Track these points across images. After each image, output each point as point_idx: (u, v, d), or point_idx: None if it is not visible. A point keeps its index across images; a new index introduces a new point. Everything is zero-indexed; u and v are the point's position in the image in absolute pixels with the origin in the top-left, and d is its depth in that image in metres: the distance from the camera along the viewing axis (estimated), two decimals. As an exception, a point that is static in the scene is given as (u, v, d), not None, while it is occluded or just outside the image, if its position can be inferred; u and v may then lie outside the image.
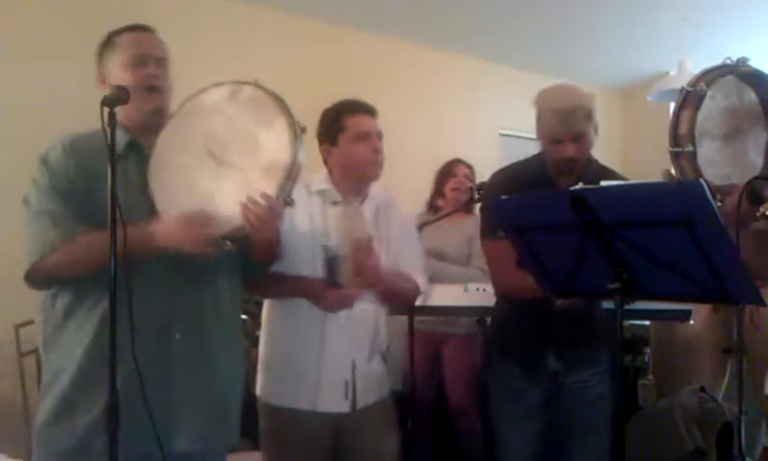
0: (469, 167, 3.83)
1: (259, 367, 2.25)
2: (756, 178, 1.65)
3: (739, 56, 1.83)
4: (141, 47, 1.79)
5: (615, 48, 5.61)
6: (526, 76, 5.72)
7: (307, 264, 2.11)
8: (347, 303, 2.07)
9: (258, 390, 2.23)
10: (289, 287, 2.13)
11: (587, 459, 2.27)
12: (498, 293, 2.40)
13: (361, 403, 2.18)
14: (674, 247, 1.57)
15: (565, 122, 2.09)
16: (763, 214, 1.62)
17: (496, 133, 5.73)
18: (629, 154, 6.24)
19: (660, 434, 2.97)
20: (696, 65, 4.88)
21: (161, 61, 1.80)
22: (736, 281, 1.55)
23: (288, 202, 1.70)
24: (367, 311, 2.20)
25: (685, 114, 1.78)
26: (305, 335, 2.14)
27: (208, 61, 3.15)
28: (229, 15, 4.38)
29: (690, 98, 1.78)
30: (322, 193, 2.22)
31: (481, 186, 3.05)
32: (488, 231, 2.27)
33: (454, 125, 5.39)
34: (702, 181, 1.40)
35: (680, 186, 1.49)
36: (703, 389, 3.19)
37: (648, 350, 3.69)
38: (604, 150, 6.22)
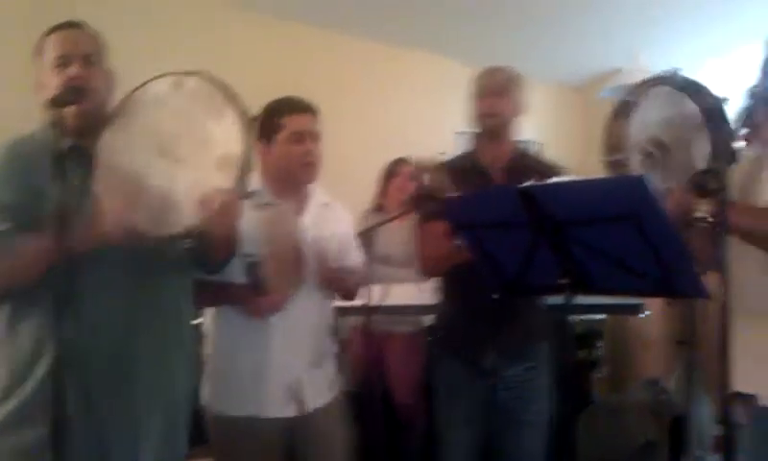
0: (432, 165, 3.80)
1: (204, 376, 2.20)
2: (699, 171, 1.65)
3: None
4: (64, 47, 1.69)
5: (573, 44, 5.64)
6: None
7: (235, 269, 2.02)
8: (272, 308, 2.04)
9: (205, 399, 2.17)
10: (215, 295, 2.07)
11: (524, 452, 2.32)
12: (422, 268, 2.43)
13: (311, 407, 2.14)
14: (622, 242, 1.57)
15: (490, 77, 2.37)
16: (702, 218, 1.63)
17: (453, 131, 5.72)
18: (588, 150, 6.29)
19: (613, 428, 3.01)
20: (650, 60, 5.00)
21: (89, 58, 1.70)
22: (683, 276, 1.55)
23: (245, 195, 1.66)
24: (309, 315, 2.17)
25: (619, 124, 1.79)
26: (246, 342, 2.09)
27: (155, 56, 3.08)
28: (178, 8, 4.29)
29: (625, 107, 1.79)
30: (252, 195, 2.17)
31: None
32: (422, 218, 2.34)
33: (410, 123, 5.36)
34: (644, 176, 1.40)
35: (623, 181, 1.49)
36: (656, 381, 3.23)
37: (601, 343, 3.72)
38: (564, 147, 6.37)
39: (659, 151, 1.81)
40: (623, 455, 2.93)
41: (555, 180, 1.71)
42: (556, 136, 6.39)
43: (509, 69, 2.44)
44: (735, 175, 1.80)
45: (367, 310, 2.73)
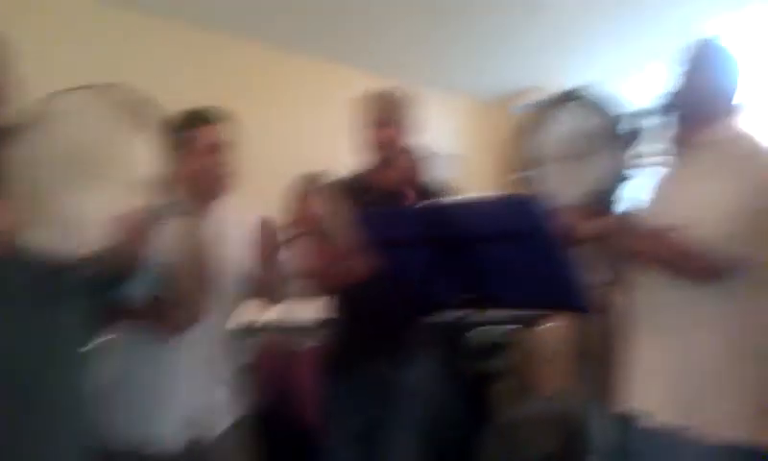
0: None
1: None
2: (593, 191, 1.69)
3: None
4: None
5: (488, 60, 5.70)
6: (394, 83, 5.74)
7: (142, 286, 1.92)
8: (182, 326, 1.96)
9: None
10: (118, 314, 1.96)
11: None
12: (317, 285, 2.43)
13: (208, 435, 2.05)
14: (516, 258, 1.60)
15: (376, 106, 2.37)
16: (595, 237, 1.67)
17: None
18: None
19: (513, 441, 3.04)
20: (570, 77, 5.10)
21: None
22: (573, 292, 1.59)
23: (158, 212, 1.60)
24: (206, 336, 2.07)
25: (526, 140, 1.82)
26: (143, 366, 1.99)
27: (66, 66, 2.95)
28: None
29: (530, 124, 1.82)
30: (166, 208, 2.10)
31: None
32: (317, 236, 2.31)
33: (318, 132, 5.33)
34: (535, 196, 1.43)
35: (516, 202, 1.52)
36: (558, 394, 3.29)
37: (504, 355, 3.75)
38: (483, 161, 6.43)
39: (564, 165, 1.84)
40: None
41: (453, 198, 1.71)
42: (476, 151, 6.51)
43: (396, 93, 2.45)
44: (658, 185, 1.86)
45: (273, 328, 2.70)
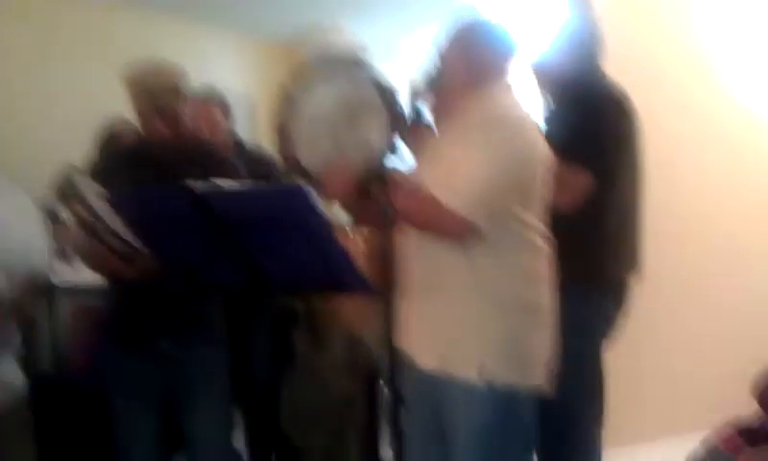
0: None
1: None
2: (372, 166, 1.72)
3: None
4: None
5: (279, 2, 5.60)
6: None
7: None
8: None
9: None
10: None
11: (208, 430, 2.42)
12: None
13: None
14: (291, 244, 1.62)
15: (152, 97, 2.20)
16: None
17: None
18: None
19: (311, 386, 3.11)
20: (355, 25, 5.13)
21: None
22: (348, 275, 1.65)
23: None
24: None
25: (289, 114, 1.81)
26: None
27: None
28: None
29: (292, 100, 1.81)
30: None
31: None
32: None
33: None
34: (304, 185, 1.45)
35: (286, 191, 1.53)
36: (354, 336, 3.38)
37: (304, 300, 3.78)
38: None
39: (335, 131, 1.86)
40: (321, 412, 3.06)
41: (227, 184, 1.68)
42: (267, 93, 6.41)
43: (173, 76, 2.28)
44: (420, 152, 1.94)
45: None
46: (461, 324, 1.85)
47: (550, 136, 2.02)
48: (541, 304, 1.90)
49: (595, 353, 2.54)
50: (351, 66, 1.86)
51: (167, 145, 2.26)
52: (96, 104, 3.83)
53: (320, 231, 1.54)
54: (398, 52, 6.31)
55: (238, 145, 3.36)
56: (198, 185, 1.65)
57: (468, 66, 1.91)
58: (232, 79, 6.29)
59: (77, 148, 3.42)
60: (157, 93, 2.20)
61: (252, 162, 3.11)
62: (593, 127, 2.36)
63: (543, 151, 1.90)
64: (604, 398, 2.58)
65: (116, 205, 1.87)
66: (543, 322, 1.90)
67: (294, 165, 1.80)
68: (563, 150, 2.10)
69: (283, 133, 1.79)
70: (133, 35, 5.30)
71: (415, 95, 1.92)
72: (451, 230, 1.79)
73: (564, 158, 2.12)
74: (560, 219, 2.06)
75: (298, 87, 1.82)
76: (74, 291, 3.37)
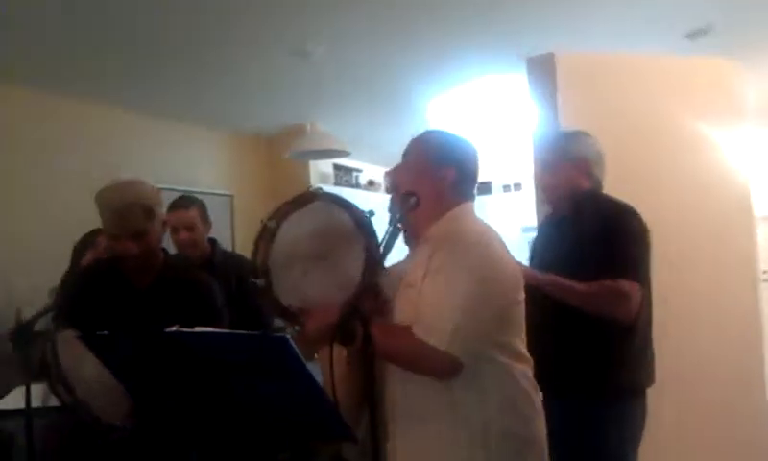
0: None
1: None
2: (345, 314, 1.62)
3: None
4: None
5: (257, 97, 5.70)
6: (180, 127, 5.87)
7: None
8: None
9: None
10: None
11: None
12: None
13: None
14: (272, 392, 1.54)
15: (122, 219, 2.17)
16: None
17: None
18: (276, 200, 6.36)
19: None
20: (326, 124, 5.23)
21: None
22: (331, 423, 1.57)
23: None
24: None
25: (262, 247, 1.76)
26: None
27: None
28: None
29: (266, 232, 1.76)
30: None
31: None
32: None
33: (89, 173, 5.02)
34: (287, 336, 1.38)
35: (268, 341, 1.46)
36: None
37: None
38: (252, 196, 6.39)
39: (312, 264, 1.80)
40: None
41: (202, 329, 1.61)
42: (244, 186, 6.47)
43: (143, 196, 2.24)
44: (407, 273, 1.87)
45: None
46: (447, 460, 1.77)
47: (568, 247, 2.09)
48: (528, 437, 1.81)
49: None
50: (325, 197, 1.83)
51: (138, 266, 2.25)
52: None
53: (301, 381, 1.46)
54: (378, 148, 6.42)
55: (215, 249, 3.32)
56: (174, 332, 1.58)
57: (423, 192, 1.87)
58: (211, 170, 6.41)
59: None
60: (130, 220, 2.18)
61: (229, 268, 3.12)
62: (630, 237, 2.39)
63: (512, 267, 1.85)
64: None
65: (89, 344, 1.79)
66: (532, 452, 1.81)
67: (275, 305, 1.75)
68: (597, 262, 2.25)
69: (264, 273, 1.74)
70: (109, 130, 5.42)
71: (392, 215, 1.86)
72: (433, 367, 1.73)
73: (603, 270, 2.25)
74: (595, 330, 2.21)
75: (275, 221, 1.78)
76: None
